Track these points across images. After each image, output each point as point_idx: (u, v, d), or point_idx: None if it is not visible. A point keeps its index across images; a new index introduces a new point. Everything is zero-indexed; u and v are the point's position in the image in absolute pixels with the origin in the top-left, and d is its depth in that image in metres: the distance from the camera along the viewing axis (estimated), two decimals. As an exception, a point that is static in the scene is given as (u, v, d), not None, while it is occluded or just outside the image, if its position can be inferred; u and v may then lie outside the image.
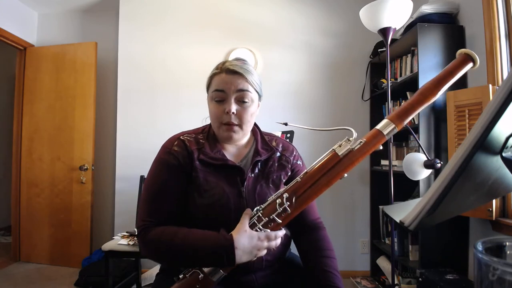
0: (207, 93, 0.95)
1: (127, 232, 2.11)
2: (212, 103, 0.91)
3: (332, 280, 0.86)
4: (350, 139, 0.74)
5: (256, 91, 0.93)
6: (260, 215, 0.78)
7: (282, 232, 0.79)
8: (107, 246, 1.92)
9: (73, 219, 2.80)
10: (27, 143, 2.93)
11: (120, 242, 1.95)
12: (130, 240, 1.96)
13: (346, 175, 0.75)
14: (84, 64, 2.82)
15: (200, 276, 0.75)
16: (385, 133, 0.69)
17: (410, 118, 0.68)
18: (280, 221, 0.76)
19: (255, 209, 0.80)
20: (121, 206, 2.70)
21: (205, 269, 0.76)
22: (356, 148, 0.72)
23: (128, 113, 2.77)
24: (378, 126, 0.70)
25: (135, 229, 2.25)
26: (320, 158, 0.77)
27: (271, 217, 0.76)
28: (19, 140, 2.97)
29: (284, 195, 0.76)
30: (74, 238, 2.78)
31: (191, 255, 0.77)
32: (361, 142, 0.71)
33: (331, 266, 0.89)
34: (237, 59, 0.94)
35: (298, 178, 0.77)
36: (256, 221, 0.78)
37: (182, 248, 0.78)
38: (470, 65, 0.62)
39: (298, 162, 1.02)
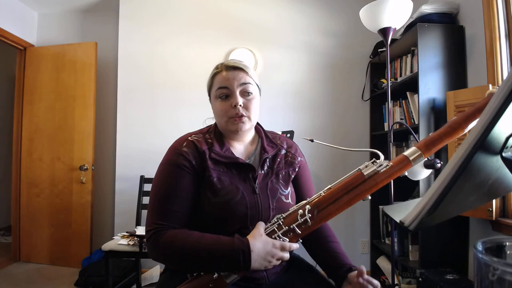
0: (209, 93, 0.97)
1: (127, 232, 2.11)
2: (217, 101, 0.92)
3: (341, 259, 0.94)
4: (377, 161, 0.75)
5: (257, 85, 0.96)
6: (281, 223, 0.79)
7: (296, 245, 0.80)
8: (107, 246, 1.92)
9: (73, 219, 2.79)
10: (27, 143, 2.93)
11: (120, 242, 1.95)
12: (130, 240, 1.96)
13: (369, 197, 0.76)
14: (84, 64, 2.82)
15: (214, 276, 0.76)
16: (411, 159, 0.70)
17: (437, 148, 0.70)
18: (300, 232, 0.77)
19: (276, 216, 0.81)
20: (121, 206, 2.70)
21: None
22: (381, 170, 0.74)
23: (128, 113, 2.77)
24: (406, 153, 0.71)
25: (135, 229, 2.25)
26: (345, 176, 0.78)
27: (291, 226, 0.77)
28: (19, 140, 2.96)
29: (307, 207, 0.77)
30: (74, 238, 2.78)
31: (206, 258, 0.77)
32: (387, 165, 0.73)
33: (337, 248, 0.98)
34: (233, 59, 0.98)
35: (321, 192, 0.78)
36: (276, 228, 0.79)
37: (196, 252, 0.78)
38: None
39: (302, 159, 1.04)
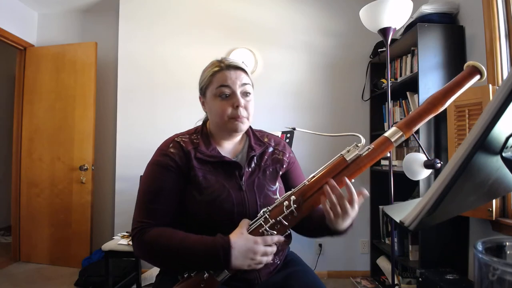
0: (205, 92, 0.94)
1: (127, 232, 2.11)
2: (216, 100, 0.91)
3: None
4: (359, 145, 0.75)
5: (252, 86, 0.97)
6: (267, 216, 0.78)
7: (279, 238, 0.79)
8: (107, 246, 1.92)
9: (73, 219, 2.79)
10: (27, 143, 2.93)
11: (120, 242, 1.95)
12: (130, 240, 1.96)
13: (353, 180, 0.75)
14: (84, 64, 2.82)
15: (205, 276, 0.76)
16: (392, 140, 0.70)
17: (417, 126, 0.69)
18: (287, 224, 0.77)
19: (262, 210, 0.80)
20: (121, 206, 2.70)
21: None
22: (364, 154, 0.73)
23: (128, 113, 2.77)
24: (386, 134, 0.71)
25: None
26: (328, 163, 0.77)
27: (278, 219, 0.77)
28: (19, 140, 2.97)
29: (291, 198, 0.76)
30: (74, 238, 2.78)
31: (188, 257, 0.78)
32: (369, 148, 0.72)
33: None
34: (231, 59, 0.97)
35: (305, 181, 0.78)
36: (263, 222, 0.78)
37: (179, 250, 0.78)
38: (478, 77, 0.63)
39: (292, 155, 1.06)
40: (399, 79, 2.30)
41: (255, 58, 2.74)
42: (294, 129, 0.94)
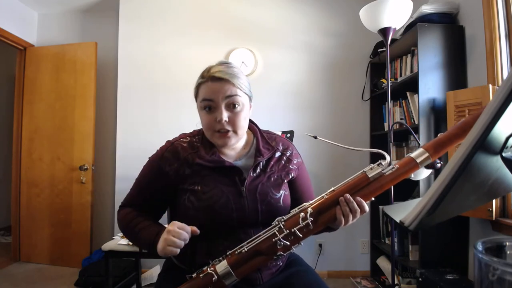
0: (196, 101, 0.94)
1: (127, 232, 2.11)
2: (202, 112, 0.90)
3: None
4: (383, 163, 0.73)
5: (246, 94, 0.90)
6: (282, 226, 0.76)
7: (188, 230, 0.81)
8: (107, 246, 1.92)
9: (73, 219, 2.79)
10: (27, 143, 2.93)
11: (120, 242, 1.94)
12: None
13: (373, 198, 0.75)
14: (84, 64, 2.82)
15: (213, 279, 0.75)
16: (418, 161, 0.68)
17: (446, 150, 0.67)
18: (301, 236, 0.75)
19: (277, 219, 0.78)
20: (121, 206, 2.70)
21: (219, 272, 0.76)
22: (387, 173, 0.71)
23: (128, 113, 2.77)
24: (412, 154, 0.69)
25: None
26: (349, 178, 0.76)
27: (292, 230, 0.75)
28: (19, 140, 2.96)
29: (309, 210, 0.75)
30: (74, 238, 2.78)
31: (136, 240, 0.92)
32: (393, 168, 0.71)
33: None
34: (221, 63, 0.91)
35: (324, 195, 0.77)
36: (277, 232, 0.76)
37: (131, 232, 0.92)
38: None
39: (299, 160, 1.02)
40: (399, 79, 2.30)
41: (255, 58, 2.74)
42: (315, 137, 0.91)
